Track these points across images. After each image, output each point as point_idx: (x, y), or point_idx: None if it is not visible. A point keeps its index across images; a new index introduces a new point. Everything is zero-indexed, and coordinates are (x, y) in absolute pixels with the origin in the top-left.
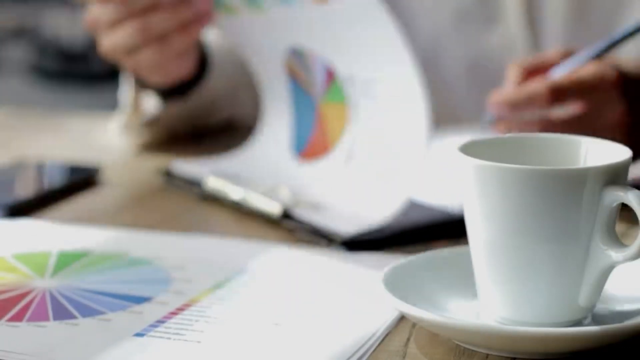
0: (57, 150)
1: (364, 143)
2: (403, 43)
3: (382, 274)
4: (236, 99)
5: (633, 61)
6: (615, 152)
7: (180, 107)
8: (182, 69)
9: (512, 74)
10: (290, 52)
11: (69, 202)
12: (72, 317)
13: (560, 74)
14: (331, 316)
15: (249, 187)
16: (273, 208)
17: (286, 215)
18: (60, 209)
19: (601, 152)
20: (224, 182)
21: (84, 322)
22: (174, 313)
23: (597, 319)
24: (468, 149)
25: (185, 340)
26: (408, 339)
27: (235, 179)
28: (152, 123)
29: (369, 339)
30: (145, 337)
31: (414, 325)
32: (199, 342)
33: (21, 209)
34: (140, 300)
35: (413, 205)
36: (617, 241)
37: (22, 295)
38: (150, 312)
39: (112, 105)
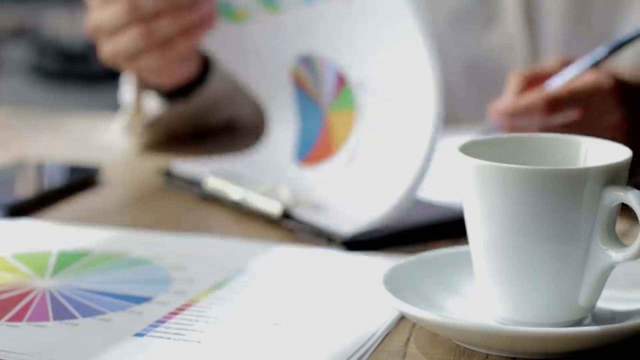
0: (57, 150)
1: (368, 143)
2: (424, 41)
3: (382, 274)
4: (236, 100)
5: (629, 69)
6: (615, 152)
7: (182, 108)
8: (184, 71)
9: (512, 82)
10: (299, 59)
11: (69, 202)
12: (72, 317)
13: (558, 83)
14: (331, 316)
15: (249, 187)
16: (273, 208)
17: (286, 215)
18: (60, 209)
19: (601, 152)
20: (224, 182)
21: (84, 322)
22: (174, 313)
23: (597, 319)
24: (468, 149)
25: (185, 340)
26: (408, 339)
27: (235, 179)
28: (154, 124)
29: (369, 339)
30: (145, 337)
31: (414, 325)
32: (199, 342)
33: (21, 209)
34: (140, 300)
35: (417, 203)
36: (617, 241)
37: (22, 295)
38: (150, 312)
39: (112, 105)
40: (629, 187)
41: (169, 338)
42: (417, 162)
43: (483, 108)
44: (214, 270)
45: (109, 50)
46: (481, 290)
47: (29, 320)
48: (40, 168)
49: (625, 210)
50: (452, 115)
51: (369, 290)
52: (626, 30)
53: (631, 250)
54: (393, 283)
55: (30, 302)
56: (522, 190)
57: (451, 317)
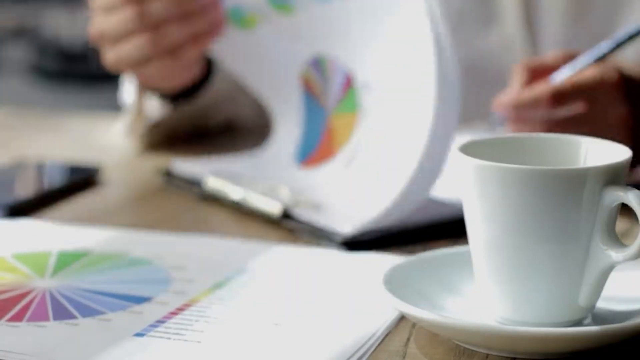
0: (57, 150)
1: (369, 143)
2: (432, 43)
3: (382, 274)
4: (236, 100)
5: (634, 64)
6: (615, 152)
7: (184, 110)
8: (189, 76)
9: (517, 75)
10: (310, 62)
11: (69, 202)
12: (72, 317)
13: (563, 76)
14: (331, 316)
15: (249, 187)
16: (273, 208)
17: (286, 215)
18: (60, 209)
19: (601, 152)
20: (224, 182)
21: (84, 322)
22: (174, 313)
23: (597, 319)
24: (468, 149)
25: (185, 340)
26: (408, 339)
27: (235, 179)
28: (156, 126)
29: (369, 339)
30: (145, 337)
31: (414, 325)
32: (199, 342)
33: (21, 209)
34: (140, 300)
35: (417, 203)
36: (617, 241)
37: (22, 295)
38: (150, 312)
39: (112, 105)
40: (629, 187)
41: (169, 338)
42: (415, 161)
43: (482, 108)
44: (214, 270)
45: (113, 56)
46: (481, 290)
47: (29, 320)
48: (40, 168)
49: (625, 210)
50: None
51: (369, 290)
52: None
53: (631, 250)
54: (393, 283)
55: (30, 302)
56: (522, 190)
57: (451, 317)
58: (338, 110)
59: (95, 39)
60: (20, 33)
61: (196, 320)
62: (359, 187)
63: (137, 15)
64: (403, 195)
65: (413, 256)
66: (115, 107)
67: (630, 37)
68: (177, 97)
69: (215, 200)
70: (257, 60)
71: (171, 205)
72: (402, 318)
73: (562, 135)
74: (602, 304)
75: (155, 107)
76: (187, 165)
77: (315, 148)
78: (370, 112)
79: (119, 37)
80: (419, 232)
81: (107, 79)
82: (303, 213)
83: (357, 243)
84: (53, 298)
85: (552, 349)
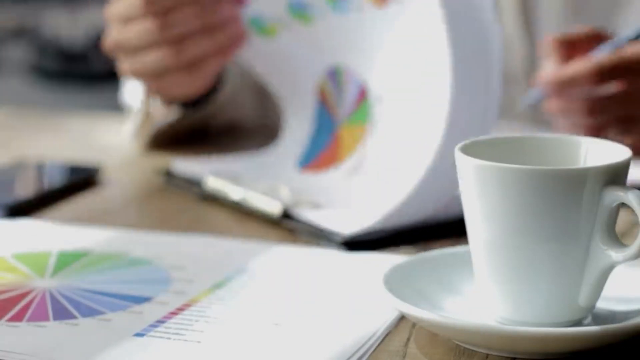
0: (57, 150)
1: (376, 155)
2: (452, 56)
3: (382, 274)
4: (238, 101)
5: None
6: (615, 152)
7: (192, 115)
8: (205, 86)
9: (553, 50)
10: (327, 72)
11: (69, 202)
12: (72, 317)
13: (604, 53)
14: (331, 316)
15: (249, 187)
16: (273, 208)
17: (286, 215)
18: (60, 209)
19: (601, 152)
20: (224, 182)
21: (84, 322)
22: (174, 313)
23: (597, 319)
24: (468, 149)
25: (185, 340)
26: (408, 339)
27: (235, 179)
28: (163, 130)
29: (369, 339)
30: (145, 337)
31: (414, 325)
32: (199, 342)
33: (21, 209)
34: (140, 300)
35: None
36: (617, 241)
37: (22, 295)
38: (150, 312)
39: (112, 105)
40: (629, 187)
41: (169, 338)
42: (422, 167)
43: None
44: (214, 270)
45: (131, 67)
46: (481, 290)
47: (29, 320)
48: (40, 168)
49: (625, 210)
50: None
51: (369, 290)
52: (623, 30)
53: (631, 250)
54: (393, 283)
55: (30, 302)
56: (522, 190)
57: (451, 317)
58: (349, 121)
59: (111, 49)
60: (20, 33)
61: (196, 320)
62: (360, 191)
63: (159, 27)
64: (405, 202)
65: (413, 256)
66: (115, 107)
67: None
68: (186, 103)
69: (215, 200)
70: (276, 65)
71: (171, 205)
72: (402, 318)
73: (562, 135)
74: (602, 304)
75: (162, 112)
76: (187, 165)
77: (319, 155)
78: (380, 124)
79: (139, 48)
80: (419, 232)
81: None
82: (303, 213)
83: (357, 243)
84: (53, 298)
85: (552, 349)
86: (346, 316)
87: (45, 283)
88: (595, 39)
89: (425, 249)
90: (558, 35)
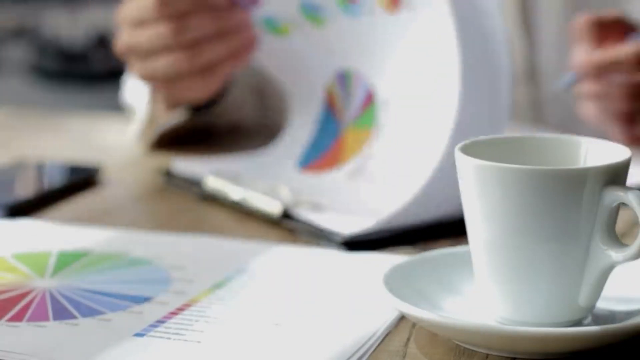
0: (57, 150)
1: (380, 159)
2: (461, 63)
3: (382, 274)
4: (239, 103)
5: None
6: (615, 152)
7: (198, 118)
8: (216, 90)
9: (585, 32)
10: (336, 75)
11: (69, 202)
12: (72, 317)
13: None
14: (331, 316)
15: (249, 187)
16: (273, 208)
17: (286, 215)
18: (60, 209)
19: (601, 152)
20: (224, 182)
21: (84, 322)
22: (174, 313)
23: (597, 319)
24: (468, 149)
25: (185, 340)
26: (408, 339)
27: (235, 179)
28: (167, 133)
29: (369, 339)
30: (145, 337)
31: (414, 325)
32: (199, 342)
33: (21, 209)
34: (140, 300)
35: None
36: (617, 241)
37: (22, 295)
38: (150, 312)
39: (112, 105)
40: (629, 187)
41: (169, 338)
42: (428, 171)
43: None
44: (214, 270)
45: (143, 71)
46: (481, 290)
47: (29, 320)
48: (40, 168)
49: (625, 210)
50: None
51: (369, 290)
52: None
53: (631, 250)
54: (393, 283)
55: (30, 302)
56: (522, 190)
57: (451, 317)
58: (355, 124)
59: (122, 52)
60: (20, 33)
61: (196, 320)
62: (361, 193)
63: (173, 32)
64: (409, 205)
65: (413, 256)
66: (115, 107)
67: None
68: (195, 106)
69: (215, 200)
70: (287, 63)
71: (171, 205)
72: (402, 318)
73: (562, 135)
74: (602, 304)
75: (166, 114)
76: (187, 165)
77: (320, 156)
78: (386, 128)
79: (151, 52)
80: (419, 232)
81: (107, 79)
82: (303, 213)
83: (356, 243)
84: (53, 298)
85: (552, 349)
86: (346, 316)
87: (45, 283)
88: (621, 24)
89: (425, 249)
90: (589, 17)
